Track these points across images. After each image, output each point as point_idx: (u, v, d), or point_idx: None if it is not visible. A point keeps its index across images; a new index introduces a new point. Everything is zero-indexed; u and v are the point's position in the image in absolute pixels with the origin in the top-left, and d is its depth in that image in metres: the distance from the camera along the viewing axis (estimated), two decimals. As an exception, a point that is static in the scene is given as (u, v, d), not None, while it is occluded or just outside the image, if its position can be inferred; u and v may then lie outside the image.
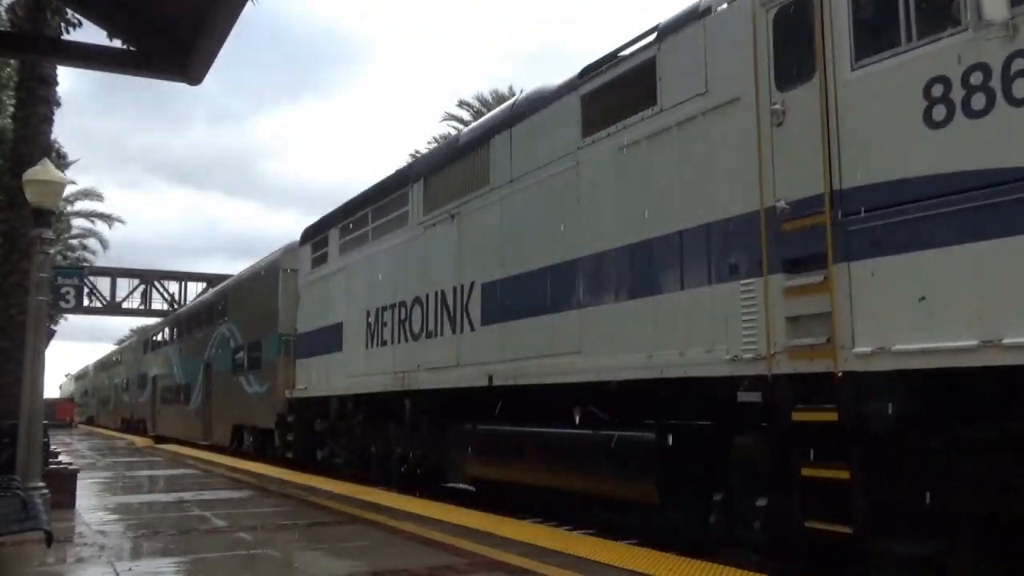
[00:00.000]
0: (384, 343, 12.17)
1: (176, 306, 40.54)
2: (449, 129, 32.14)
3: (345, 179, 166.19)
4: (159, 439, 29.74)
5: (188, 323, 28.22)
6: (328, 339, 14.37)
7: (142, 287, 43.49)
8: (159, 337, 33.96)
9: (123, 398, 42.92)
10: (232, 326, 21.62)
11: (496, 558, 6.38)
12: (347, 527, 8.45)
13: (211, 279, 40.11)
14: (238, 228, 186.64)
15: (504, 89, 31.67)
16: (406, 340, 11.48)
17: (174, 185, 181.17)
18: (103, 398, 53.06)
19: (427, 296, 10.96)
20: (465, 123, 31.26)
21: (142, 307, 43.53)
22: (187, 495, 11.70)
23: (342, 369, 13.71)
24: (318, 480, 12.98)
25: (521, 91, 11.11)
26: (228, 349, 21.78)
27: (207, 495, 11.65)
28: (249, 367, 19.52)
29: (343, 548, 7.32)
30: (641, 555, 6.38)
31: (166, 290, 43.72)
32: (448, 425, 10.59)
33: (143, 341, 37.84)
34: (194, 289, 42.47)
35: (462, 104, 32.70)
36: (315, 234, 15.74)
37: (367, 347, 12.77)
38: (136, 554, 7.12)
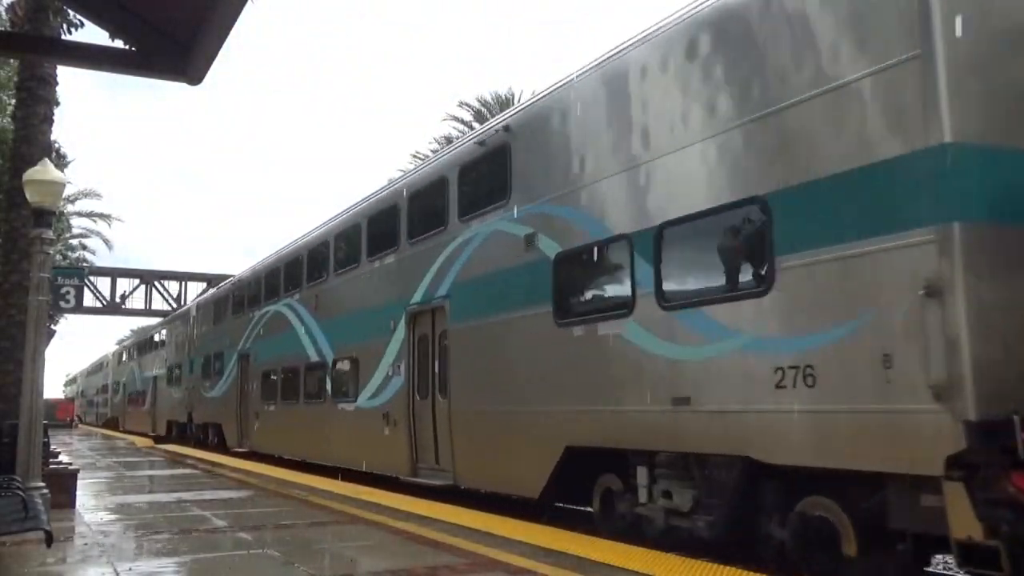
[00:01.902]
0: None
1: (177, 305, 40.26)
2: (450, 129, 32.15)
3: (345, 180, 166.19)
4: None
5: (336, 249, 15.70)
6: None
7: (143, 287, 43.50)
8: (249, 291, 21.38)
9: (171, 394, 29.93)
10: (552, 210, 9.09)
11: (496, 558, 6.38)
12: (347, 527, 8.45)
13: (211, 279, 40.05)
14: (238, 228, 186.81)
15: (504, 90, 31.72)
16: None
17: (175, 185, 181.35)
18: (134, 395, 39.09)
19: None
20: (466, 123, 31.27)
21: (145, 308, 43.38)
22: (187, 495, 11.71)
23: None
24: (318, 480, 12.97)
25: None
26: (527, 271, 9.41)
27: (207, 495, 11.66)
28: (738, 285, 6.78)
29: (344, 548, 7.32)
30: (641, 555, 6.39)
31: (167, 290, 43.74)
32: None
33: (213, 304, 25.42)
34: (194, 289, 42.45)
35: (462, 104, 32.74)
36: None
37: None
38: (136, 554, 7.12)
